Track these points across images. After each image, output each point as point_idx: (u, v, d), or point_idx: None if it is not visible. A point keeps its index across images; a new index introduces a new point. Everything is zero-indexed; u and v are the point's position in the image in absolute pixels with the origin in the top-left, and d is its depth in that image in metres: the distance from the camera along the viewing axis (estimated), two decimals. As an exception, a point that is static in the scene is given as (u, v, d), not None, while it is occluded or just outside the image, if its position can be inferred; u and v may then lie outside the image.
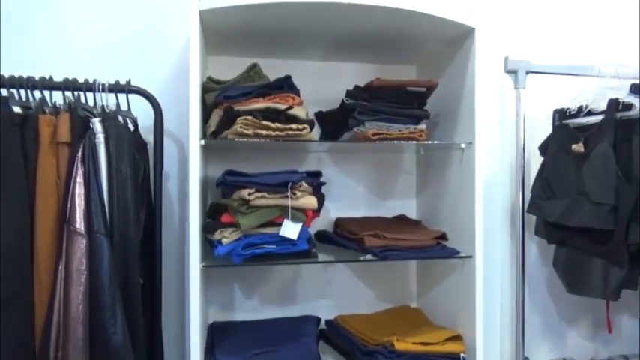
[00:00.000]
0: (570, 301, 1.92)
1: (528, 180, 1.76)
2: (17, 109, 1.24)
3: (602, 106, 1.58)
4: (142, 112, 1.48)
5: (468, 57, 1.43)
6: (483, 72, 1.42)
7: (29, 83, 1.32)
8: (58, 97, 1.36)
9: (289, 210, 1.29)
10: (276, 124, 1.29)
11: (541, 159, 1.73)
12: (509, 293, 1.88)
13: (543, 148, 1.76)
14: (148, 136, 1.51)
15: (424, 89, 1.39)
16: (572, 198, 1.57)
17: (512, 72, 1.59)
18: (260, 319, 1.67)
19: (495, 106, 1.86)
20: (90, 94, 1.37)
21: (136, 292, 1.24)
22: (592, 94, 1.63)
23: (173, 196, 1.67)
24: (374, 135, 1.36)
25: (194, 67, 1.26)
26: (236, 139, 1.29)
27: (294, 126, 1.30)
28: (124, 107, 1.42)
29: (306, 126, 1.31)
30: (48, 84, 1.34)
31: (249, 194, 1.27)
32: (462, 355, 1.40)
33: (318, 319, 1.67)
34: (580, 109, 1.65)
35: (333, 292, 1.77)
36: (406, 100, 1.41)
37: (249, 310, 1.71)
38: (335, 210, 1.76)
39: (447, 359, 1.41)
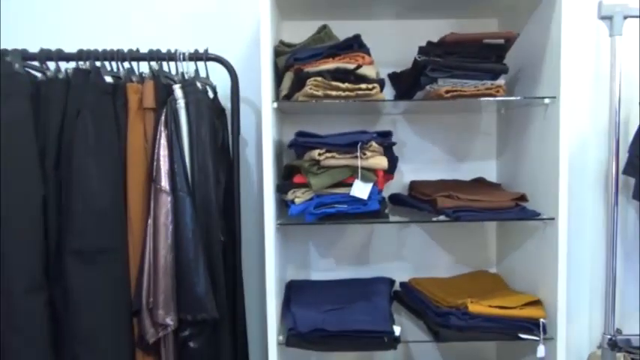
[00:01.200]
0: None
1: (626, 139, 1.61)
2: (108, 79, 1.35)
3: None
4: (220, 80, 1.55)
5: (553, 6, 1.32)
6: (573, 20, 1.31)
7: (119, 56, 1.43)
8: (143, 67, 1.47)
9: (359, 170, 1.29)
10: (346, 84, 1.29)
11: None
12: (601, 261, 1.75)
13: (644, 104, 1.59)
14: (227, 104, 1.58)
15: (502, 41, 1.31)
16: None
17: (607, 18, 1.44)
18: (335, 280, 1.72)
19: (590, 59, 1.70)
20: (172, 64, 1.46)
21: (216, 247, 1.33)
22: None
23: (251, 160, 1.74)
24: (447, 92, 1.32)
25: (265, 30, 1.29)
26: (307, 101, 1.31)
27: (363, 85, 1.30)
28: (203, 75, 1.50)
29: (375, 85, 1.30)
30: (135, 55, 1.44)
31: (320, 154, 1.29)
32: (542, 320, 1.34)
33: (392, 281, 1.68)
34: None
35: (407, 255, 1.77)
36: (483, 55, 1.34)
37: (325, 270, 1.76)
38: (410, 173, 1.74)
39: (526, 324, 1.36)
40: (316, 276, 1.75)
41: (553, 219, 1.35)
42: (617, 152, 1.50)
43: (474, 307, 1.35)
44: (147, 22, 1.69)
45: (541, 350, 1.34)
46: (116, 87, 1.33)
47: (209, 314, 1.23)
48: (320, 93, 1.29)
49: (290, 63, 1.35)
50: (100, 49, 1.43)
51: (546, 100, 1.36)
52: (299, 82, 1.32)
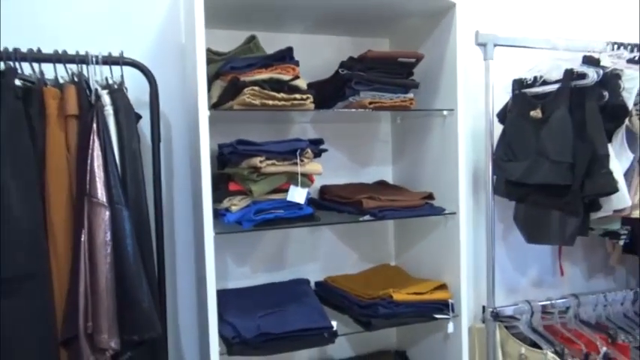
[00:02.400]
0: (522, 253, 2.17)
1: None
2: (17, 82, 1.19)
3: (555, 75, 1.78)
4: (129, 85, 1.47)
5: (449, 30, 1.55)
6: (463, 43, 1.55)
7: (18, 56, 1.26)
8: (48, 70, 1.32)
9: (299, 176, 1.35)
10: (282, 94, 1.34)
11: (499, 125, 1.92)
12: (471, 247, 2.07)
13: (501, 115, 1.94)
14: (137, 110, 1.50)
15: (414, 60, 1.50)
16: (532, 159, 1.76)
17: (482, 45, 1.73)
18: (254, 286, 1.74)
19: (463, 76, 2.00)
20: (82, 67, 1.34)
21: (151, 261, 1.26)
22: (547, 66, 1.82)
23: (165, 168, 1.67)
24: (370, 103, 1.45)
25: (200, 36, 1.27)
26: (243, 109, 1.33)
27: (298, 96, 1.36)
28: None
29: (309, 95, 1.38)
30: (39, 56, 1.29)
31: (261, 162, 1.32)
32: (450, 301, 1.56)
33: (308, 281, 1.77)
34: (535, 79, 1.84)
35: (318, 256, 1.87)
36: (396, 71, 1.51)
37: (241, 277, 1.77)
38: (318, 178, 1.83)
39: (437, 306, 1.56)
40: (233, 284, 1.75)
41: (455, 213, 1.58)
42: (492, 157, 1.80)
43: (398, 296, 1.51)
44: (46, 21, 1.51)
45: (451, 327, 1.56)
46: (29, 91, 1.18)
47: (156, 332, 1.17)
48: (257, 102, 1.32)
49: (225, 71, 1.35)
50: (-7, 47, 1.25)
51: (445, 112, 1.59)
52: (234, 91, 1.33)
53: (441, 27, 1.60)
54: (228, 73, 1.34)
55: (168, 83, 1.60)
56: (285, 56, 1.38)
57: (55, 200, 1.16)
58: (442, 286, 1.62)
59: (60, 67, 1.30)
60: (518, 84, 1.88)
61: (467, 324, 1.60)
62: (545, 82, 1.81)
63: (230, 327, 1.38)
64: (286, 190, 1.39)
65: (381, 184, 1.85)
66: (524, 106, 1.84)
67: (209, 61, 1.40)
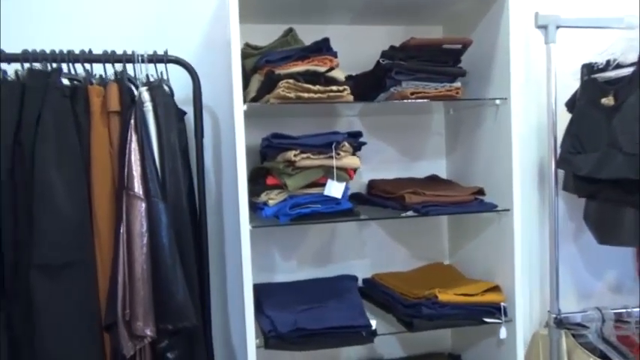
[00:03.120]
0: (597, 255, 1.98)
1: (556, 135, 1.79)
2: (65, 82, 1.27)
3: (631, 58, 1.59)
4: (174, 83, 1.51)
5: (501, 13, 1.44)
6: (516, 27, 1.43)
7: (71, 57, 1.34)
8: (97, 70, 1.39)
9: (334, 170, 1.32)
10: (317, 87, 1.32)
11: (567, 115, 1.75)
12: (536, 247, 1.93)
13: (570, 104, 1.77)
14: (182, 107, 1.54)
15: (460, 46, 1.41)
16: (603, 151, 1.59)
17: (543, 27, 1.59)
18: (299, 280, 1.73)
19: (523, 63, 1.86)
20: (129, 66, 1.40)
21: (189, 254, 1.29)
22: (620, 48, 1.63)
23: (208, 165, 1.71)
24: (412, 94, 1.39)
25: (234, 31, 1.28)
26: (279, 103, 1.32)
27: (334, 87, 1.33)
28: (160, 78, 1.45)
29: (346, 87, 1.34)
30: (89, 57, 1.36)
31: (295, 155, 1.30)
32: (502, 304, 1.45)
33: (356, 278, 1.73)
34: (608, 62, 1.66)
35: (367, 252, 1.82)
36: (441, 59, 1.43)
37: (288, 271, 1.76)
38: (367, 172, 1.79)
39: (488, 309, 1.46)
40: (280, 278, 1.75)
41: (508, 210, 1.46)
42: (555, 149, 1.65)
43: (443, 296, 1.43)
44: (96, 23, 1.60)
45: (503, 332, 1.46)
46: (75, 90, 1.25)
47: (190, 322, 1.20)
48: (292, 95, 1.30)
49: (261, 65, 1.35)
50: (47, 50, 1.34)
51: (497, 101, 1.48)
52: (270, 84, 1.32)
53: (494, 10, 1.49)
54: (264, 67, 1.34)
55: (217, 80, 1.63)
56: (322, 47, 1.35)
57: (98, 193, 1.23)
58: (495, 288, 1.51)
59: (109, 67, 1.36)
60: (588, 69, 1.71)
61: (522, 330, 1.47)
62: (618, 66, 1.63)
63: (268, 320, 1.38)
64: (324, 185, 1.36)
65: (432, 179, 1.76)
66: (594, 93, 1.67)
67: (247, 55, 1.41)
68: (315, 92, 1.32)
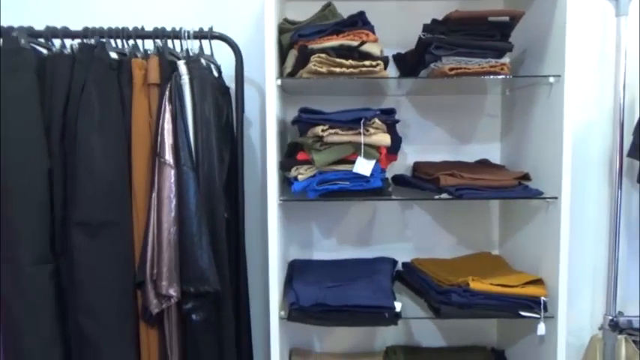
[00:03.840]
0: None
1: (631, 122, 1.60)
2: (113, 55, 1.36)
3: None
4: (224, 60, 1.55)
5: (559, -18, 1.31)
6: (579, -1, 1.29)
7: (124, 33, 1.43)
8: (148, 45, 1.47)
9: (362, 146, 1.29)
10: (350, 61, 1.29)
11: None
12: (604, 243, 1.75)
13: (650, 86, 1.58)
14: (231, 83, 1.59)
15: (507, 19, 1.31)
16: (682, 138, 1.41)
17: (613, -3, 1.43)
18: (337, 259, 1.73)
19: (596, 40, 1.68)
20: (177, 42, 1.47)
21: (219, 222, 1.34)
22: None
23: (255, 139, 1.75)
24: (451, 70, 1.31)
25: (269, 5, 1.29)
26: (311, 77, 1.31)
27: (367, 62, 1.30)
28: (207, 53, 1.50)
29: (379, 62, 1.30)
30: (140, 33, 1.44)
31: (323, 130, 1.30)
32: (542, 298, 1.35)
33: (395, 261, 1.69)
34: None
35: (410, 236, 1.77)
36: (488, 33, 1.33)
37: (327, 250, 1.77)
38: (413, 154, 1.74)
39: (527, 302, 1.36)
40: (319, 256, 1.77)
41: (556, 198, 1.35)
42: (621, 134, 1.49)
43: (475, 285, 1.35)
44: (152, 2, 1.69)
45: (541, 328, 1.35)
46: (121, 63, 1.34)
47: (211, 287, 1.25)
48: (324, 70, 1.29)
49: (294, 39, 1.35)
50: (105, 27, 1.44)
51: (551, 79, 1.35)
52: (303, 59, 1.32)
53: (554, -21, 1.36)
54: (298, 41, 1.33)
55: (257, 59, 1.64)
56: (357, 21, 1.32)
57: (137, 159, 1.31)
58: (537, 281, 1.41)
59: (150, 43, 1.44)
60: (672, 46, 1.51)
61: (564, 327, 1.36)
62: None
63: (294, 294, 1.40)
64: (354, 162, 1.34)
65: (481, 163, 1.66)
66: (676, 72, 1.48)
67: (284, 31, 1.41)
68: (348, 67, 1.29)
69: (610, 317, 1.53)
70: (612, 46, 1.59)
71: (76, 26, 1.44)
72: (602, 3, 1.47)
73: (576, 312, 1.78)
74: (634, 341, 1.58)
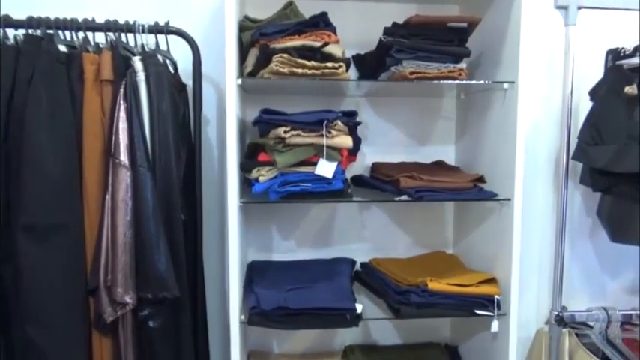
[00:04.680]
0: (612, 253, 1.88)
1: (576, 126, 1.69)
2: (62, 48, 1.28)
3: (661, 44, 1.48)
4: (180, 55, 1.50)
5: (514, -9, 1.36)
6: (529, 7, 1.34)
7: (73, 25, 1.35)
8: (100, 38, 1.40)
9: (324, 148, 1.29)
10: (312, 62, 1.28)
11: (590, 104, 1.65)
12: (549, 242, 1.84)
13: (593, 93, 1.67)
14: (187, 80, 1.53)
15: (465, 25, 1.34)
16: (622, 143, 1.50)
17: (563, 7, 1.49)
18: (296, 260, 1.72)
19: (544, 47, 1.76)
20: (130, 36, 1.40)
21: (177, 225, 1.30)
22: (649, 32, 1.52)
23: (212, 138, 1.71)
24: (412, 74, 1.33)
25: (229, 3, 1.25)
26: (272, 78, 1.29)
27: (329, 64, 1.29)
28: (163, 49, 1.45)
29: (342, 64, 1.30)
30: (90, 25, 1.37)
31: (285, 132, 1.28)
32: (496, 297, 1.40)
33: (353, 261, 1.70)
34: (636, 48, 1.55)
35: (368, 236, 1.79)
36: (446, 38, 1.36)
37: (286, 251, 1.76)
38: (372, 155, 1.76)
39: (481, 301, 1.41)
40: (278, 257, 1.75)
41: (509, 200, 1.40)
42: (568, 139, 1.57)
43: (433, 285, 1.39)
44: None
45: (495, 325, 1.41)
46: (71, 56, 1.27)
47: (170, 292, 1.21)
48: (286, 70, 1.27)
49: (256, 38, 1.32)
50: (51, 17, 1.35)
51: (505, 85, 1.40)
52: (264, 58, 1.30)
53: (507, -12, 1.40)
54: (259, 40, 1.31)
55: (214, 55, 1.60)
56: (319, 22, 1.31)
57: (88, 159, 1.24)
58: (491, 280, 1.46)
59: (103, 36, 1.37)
60: (614, 55, 1.60)
61: (516, 324, 1.42)
62: (647, 53, 1.52)
63: (254, 297, 1.38)
64: (316, 164, 1.33)
65: (437, 165, 1.71)
66: (618, 81, 1.57)
67: (245, 29, 1.39)
68: (309, 68, 1.28)
69: (556, 312, 1.61)
70: (559, 54, 1.67)
71: (18, 15, 1.35)
72: (551, 12, 1.53)
73: (523, 306, 1.86)
74: (576, 334, 1.67)
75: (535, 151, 1.81)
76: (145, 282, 1.20)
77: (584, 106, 1.70)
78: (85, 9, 1.42)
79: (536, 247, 1.87)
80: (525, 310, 1.87)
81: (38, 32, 1.29)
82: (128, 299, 1.18)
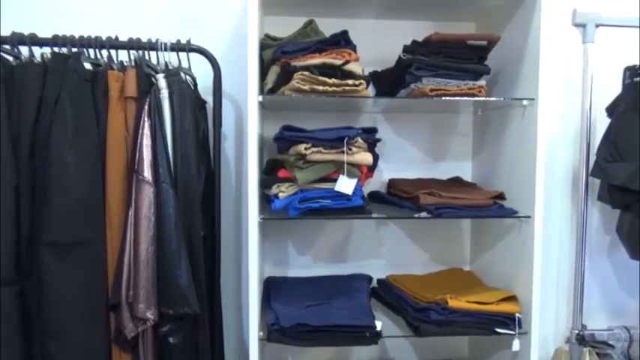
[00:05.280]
0: (632, 271, 1.85)
1: (594, 142, 1.69)
2: (87, 66, 1.31)
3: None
4: (200, 73, 1.52)
5: (533, 9, 1.37)
6: (548, 25, 1.35)
7: (97, 43, 1.38)
8: (123, 56, 1.42)
9: (345, 165, 1.29)
10: (333, 80, 1.29)
11: (608, 121, 1.65)
12: (567, 259, 1.83)
13: (611, 109, 1.67)
14: (206, 96, 1.56)
15: (485, 43, 1.35)
16: (641, 160, 1.49)
17: (581, 25, 1.50)
18: (313, 276, 1.71)
19: (561, 64, 1.77)
20: (153, 54, 1.42)
21: (197, 241, 1.31)
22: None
23: (230, 155, 1.72)
24: (431, 91, 1.34)
25: (252, 21, 1.27)
26: (293, 95, 1.31)
27: (350, 82, 1.30)
28: (184, 66, 1.47)
29: (362, 82, 1.31)
30: (115, 43, 1.40)
31: (306, 149, 1.29)
32: (517, 315, 1.39)
33: (370, 278, 1.70)
34: (654, 65, 1.55)
35: (384, 252, 1.79)
36: (466, 56, 1.37)
37: (302, 267, 1.75)
38: (388, 171, 1.76)
39: (502, 319, 1.39)
40: (294, 273, 1.75)
41: (529, 217, 1.39)
42: (587, 156, 1.56)
43: (453, 303, 1.37)
44: (128, 11, 1.64)
45: (516, 344, 1.39)
46: (96, 74, 1.29)
47: (191, 309, 1.21)
48: (307, 87, 1.28)
49: (277, 56, 1.34)
50: (77, 36, 1.38)
51: (525, 102, 1.40)
52: (285, 76, 1.31)
53: (526, 6, 1.41)
54: (280, 58, 1.32)
55: (243, 71, 1.62)
56: (340, 40, 1.32)
57: (112, 176, 1.26)
58: (511, 298, 1.45)
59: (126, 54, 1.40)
60: (632, 72, 1.60)
61: (537, 343, 1.40)
62: (665, 70, 1.52)
63: (273, 314, 1.38)
64: (336, 180, 1.34)
65: (454, 181, 1.70)
66: (636, 97, 1.56)
67: (266, 47, 1.40)
68: (330, 85, 1.30)
69: (577, 331, 1.58)
70: (577, 71, 1.67)
71: (44, 34, 1.38)
72: (569, 29, 1.54)
73: (541, 324, 1.84)
74: (597, 354, 1.64)
75: (553, 168, 1.81)
76: (167, 298, 1.20)
77: (601, 123, 1.70)
78: (107, 29, 1.45)
79: (554, 265, 1.85)
80: (544, 329, 1.84)
81: (64, 50, 1.32)
82: (150, 315, 1.19)
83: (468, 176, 1.78)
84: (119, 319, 1.20)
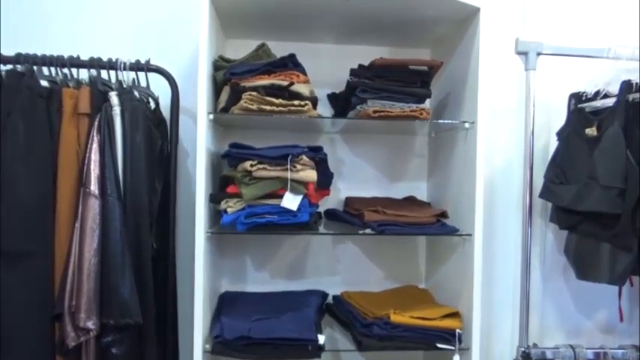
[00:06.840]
0: (587, 291, 1.89)
1: (543, 165, 1.75)
2: (44, 83, 1.36)
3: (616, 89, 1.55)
4: (163, 92, 1.57)
5: (474, 36, 1.44)
6: (493, 52, 1.43)
7: (58, 61, 1.44)
8: (83, 75, 1.48)
9: (289, 181, 1.34)
10: (280, 100, 1.35)
11: (553, 144, 1.72)
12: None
13: (560, 134, 1.73)
14: (169, 115, 1.61)
15: (426, 68, 1.41)
16: (583, 183, 1.55)
17: (523, 53, 1.57)
18: (269, 292, 1.74)
19: (515, 88, 1.83)
20: (113, 73, 1.48)
21: (146, 254, 1.34)
22: (608, 77, 1.60)
23: (192, 171, 1.76)
24: (375, 112, 1.40)
25: (202, 43, 1.34)
26: (242, 114, 1.36)
27: (296, 102, 1.36)
28: (143, 85, 1.52)
29: (308, 102, 1.36)
30: (74, 62, 1.45)
31: (252, 165, 1.34)
32: (457, 331, 1.42)
33: (325, 294, 1.73)
34: (597, 92, 1.62)
35: (341, 269, 1.82)
36: (409, 79, 1.43)
37: (260, 282, 1.78)
38: (346, 190, 1.81)
39: (443, 334, 1.43)
40: (252, 288, 1.78)
41: (470, 235, 1.44)
42: (530, 178, 1.62)
43: (396, 318, 1.41)
44: (94, 31, 1.70)
45: (456, 359, 1.42)
46: (51, 91, 1.34)
47: (133, 319, 1.24)
48: (254, 107, 1.34)
49: (227, 77, 1.40)
50: (39, 54, 1.44)
51: (466, 125, 1.47)
52: (235, 96, 1.37)
53: (469, 34, 1.48)
54: (230, 79, 1.38)
55: (195, 92, 1.68)
56: (288, 62, 1.39)
57: (62, 189, 1.30)
58: (454, 314, 1.48)
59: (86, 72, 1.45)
60: (576, 98, 1.67)
61: (478, 358, 1.43)
62: (606, 96, 1.59)
63: (219, 326, 1.41)
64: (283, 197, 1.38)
65: (408, 200, 1.75)
66: (580, 123, 1.64)
67: (219, 68, 1.46)
68: (277, 105, 1.35)
69: (522, 349, 1.62)
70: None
71: (9, 53, 1.43)
72: (513, 58, 1.61)
73: (497, 341, 1.88)
74: (546, 371, 1.67)
75: (510, 188, 1.86)
76: (109, 308, 1.23)
77: (554, 145, 1.75)
78: (70, 48, 1.50)
79: (509, 283, 1.89)
80: (500, 344, 1.88)
81: (23, 67, 1.37)
82: (91, 325, 1.21)
83: (423, 196, 1.83)
84: (62, 329, 1.23)
